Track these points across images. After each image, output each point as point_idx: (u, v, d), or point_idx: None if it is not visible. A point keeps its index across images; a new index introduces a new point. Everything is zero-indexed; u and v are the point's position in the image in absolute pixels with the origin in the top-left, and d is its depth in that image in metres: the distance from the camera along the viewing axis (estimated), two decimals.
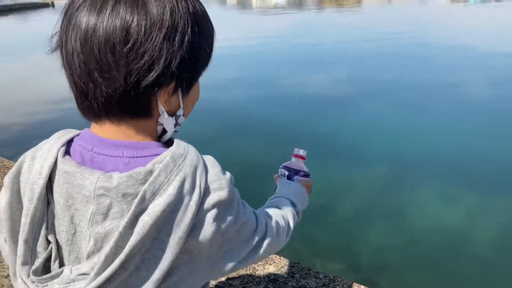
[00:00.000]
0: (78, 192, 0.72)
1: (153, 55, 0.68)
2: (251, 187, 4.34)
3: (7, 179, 0.76)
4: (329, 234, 3.60)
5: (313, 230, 3.60)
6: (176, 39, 0.69)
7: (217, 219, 0.74)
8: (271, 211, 1.02)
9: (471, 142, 5.36)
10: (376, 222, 3.75)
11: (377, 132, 5.79)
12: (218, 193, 0.74)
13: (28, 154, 0.78)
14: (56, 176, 0.74)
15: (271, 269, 1.95)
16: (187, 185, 0.71)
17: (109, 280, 0.69)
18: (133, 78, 0.68)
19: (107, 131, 0.75)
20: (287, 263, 1.99)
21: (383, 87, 8.17)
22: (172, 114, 0.78)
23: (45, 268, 0.75)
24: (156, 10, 0.68)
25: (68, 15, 0.70)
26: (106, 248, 0.68)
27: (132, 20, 0.66)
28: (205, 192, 0.73)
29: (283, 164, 1.28)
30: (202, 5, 0.77)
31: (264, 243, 0.88)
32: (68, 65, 0.71)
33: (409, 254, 3.39)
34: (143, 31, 0.67)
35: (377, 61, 10.55)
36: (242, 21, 29.04)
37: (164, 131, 0.79)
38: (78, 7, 0.69)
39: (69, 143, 0.78)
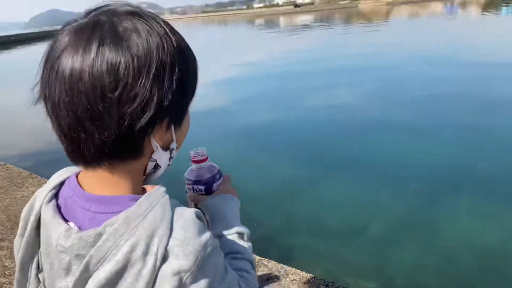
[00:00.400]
0: (51, 242, 0.72)
1: (145, 96, 0.65)
2: (277, 206, 4.40)
3: (23, 212, 0.79)
4: (361, 253, 3.58)
5: (345, 249, 3.59)
6: (166, 77, 0.67)
7: None
8: (237, 266, 0.91)
9: (508, 157, 5.23)
10: (409, 241, 3.70)
11: (409, 149, 5.73)
12: (180, 262, 0.67)
13: (39, 191, 0.80)
14: (41, 222, 0.76)
15: None
16: (138, 251, 0.65)
17: None
18: (126, 123, 0.65)
19: (87, 178, 0.74)
20: (321, 282, 2.03)
21: (414, 102, 8.08)
22: (165, 148, 0.76)
23: None
24: (142, 49, 0.65)
25: (50, 62, 0.66)
26: None
27: (120, 63, 0.63)
28: (164, 259, 0.66)
29: (189, 178, 1.04)
30: (181, 35, 0.73)
31: None
32: (54, 115, 0.67)
33: (444, 274, 3.32)
34: (131, 73, 0.64)
35: (410, 77, 10.45)
36: (270, 39, 29.31)
37: (157, 167, 0.76)
38: (59, 53, 0.65)
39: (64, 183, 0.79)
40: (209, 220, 0.97)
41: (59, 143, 0.71)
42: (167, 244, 0.67)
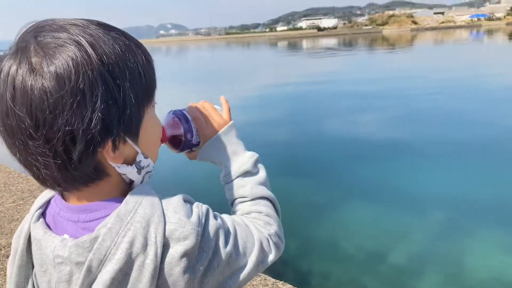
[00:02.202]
0: (47, 258, 0.72)
1: (69, 125, 0.61)
2: (295, 229, 4.33)
3: (13, 239, 0.80)
4: (381, 281, 3.48)
5: (364, 276, 3.49)
6: (87, 100, 0.61)
7: (189, 270, 0.69)
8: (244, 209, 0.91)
9: None
10: (431, 272, 3.58)
11: (432, 176, 5.61)
12: (183, 243, 0.67)
13: (26, 216, 0.80)
14: (32, 241, 0.76)
15: None
16: (138, 244, 0.66)
17: None
18: (65, 157, 0.63)
19: (71, 194, 0.73)
20: None
21: (439, 128, 7.96)
22: (130, 163, 0.72)
23: None
24: (54, 81, 0.59)
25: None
26: None
27: (33, 101, 0.60)
28: (166, 246, 0.67)
29: (172, 148, 0.93)
30: (116, 43, 0.66)
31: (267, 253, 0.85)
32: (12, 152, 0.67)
33: None
34: (47, 111, 0.60)
35: (433, 103, 10.33)
36: (293, 63, 29.57)
37: (131, 179, 0.74)
38: None
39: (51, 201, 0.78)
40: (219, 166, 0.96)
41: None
42: (165, 231, 0.67)
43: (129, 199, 0.70)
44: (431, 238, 4.12)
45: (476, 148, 6.66)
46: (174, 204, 0.72)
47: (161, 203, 0.71)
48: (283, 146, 7.47)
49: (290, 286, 2.17)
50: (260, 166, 0.97)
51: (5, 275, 2.43)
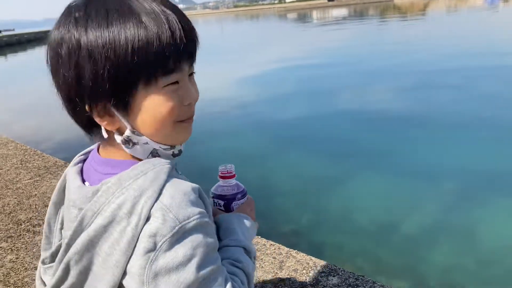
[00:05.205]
0: (69, 199, 0.82)
1: (62, 81, 0.75)
2: (307, 201, 4.35)
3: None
4: (394, 251, 3.50)
5: (376, 246, 3.52)
6: (69, 67, 0.72)
7: (149, 255, 0.69)
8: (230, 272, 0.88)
9: None
10: (444, 241, 3.59)
11: (444, 147, 5.56)
12: (156, 225, 0.69)
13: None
14: (66, 182, 0.87)
15: (334, 280, 1.95)
16: (124, 210, 0.70)
17: (56, 286, 0.78)
18: (65, 103, 0.78)
19: (101, 146, 0.85)
20: (351, 276, 1.98)
21: (451, 99, 7.84)
22: (121, 133, 0.79)
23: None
24: (54, 41, 0.75)
25: None
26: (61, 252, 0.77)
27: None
28: (147, 221, 0.69)
29: (214, 192, 1.09)
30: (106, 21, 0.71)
31: None
32: None
33: (480, 275, 3.20)
34: (61, 61, 0.74)
35: (446, 73, 10.14)
36: (304, 34, 29.10)
37: (128, 143, 0.79)
38: None
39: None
40: (220, 233, 0.96)
41: None
42: (152, 207, 0.70)
43: (138, 166, 0.75)
44: (444, 208, 4.11)
45: (489, 119, 6.56)
46: (178, 188, 0.73)
47: (166, 182, 0.73)
48: (296, 119, 7.44)
49: (304, 254, 2.20)
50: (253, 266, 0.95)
51: (26, 249, 2.50)
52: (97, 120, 0.76)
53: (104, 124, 0.77)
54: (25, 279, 2.20)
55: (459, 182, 4.54)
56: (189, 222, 0.70)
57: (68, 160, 4.24)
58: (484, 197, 4.24)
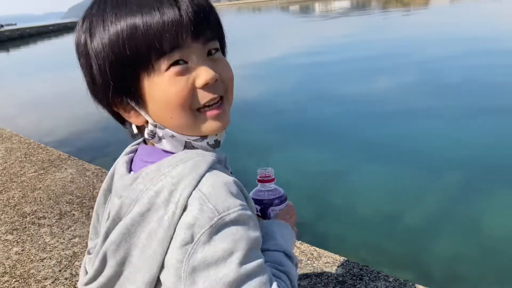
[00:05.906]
0: (114, 187, 0.82)
1: (87, 83, 0.78)
2: (311, 192, 4.35)
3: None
4: (397, 242, 3.50)
5: (381, 237, 3.52)
6: (90, 64, 0.74)
7: (186, 248, 0.65)
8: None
9: None
10: (447, 231, 3.59)
11: (449, 137, 5.54)
12: (194, 215, 0.65)
13: None
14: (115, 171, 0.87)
15: (339, 271, 1.96)
16: (162, 197, 0.67)
17: (94, 277, 0.76)
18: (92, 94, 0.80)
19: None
20: (355, 266, 1.99)
21: (454, 90, 7.80)
22: (142, 126, 0.80)
23: None
24: (76, 41, 0.77)
25: None
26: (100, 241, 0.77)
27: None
28: (185, 209, 0.66)
29: (251, 196, 1.01)
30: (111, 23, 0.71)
31: None
32: None
33: (483, 265, 3.20)
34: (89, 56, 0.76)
35: (449, 65, 10.08)
36: (306, 26, 28.98)
37: (154, 136, 0.79)
38: None
39: None
40: None
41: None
42: (190, 195, 0.66)
43: (179, 155, 0.73)
44: (447, 199, 4.11)
45: (491, 108, 6.53)
46: (219, 179, 0.69)
47: (207, 172, 0.69)
48: (299, 110, 7.43)
49: (308, 245, 2.21)
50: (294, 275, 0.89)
51: (31, 241, 2.52)
52: (124, 116, 0.78)
53: (131, 120, 0.78)
54: (31, 271, 2.22)
55: (462, 173, 4.53)
56: (229, 214, 0.65)
57: (71, 153, 4.26)
58: (488, 188, 4.23)
